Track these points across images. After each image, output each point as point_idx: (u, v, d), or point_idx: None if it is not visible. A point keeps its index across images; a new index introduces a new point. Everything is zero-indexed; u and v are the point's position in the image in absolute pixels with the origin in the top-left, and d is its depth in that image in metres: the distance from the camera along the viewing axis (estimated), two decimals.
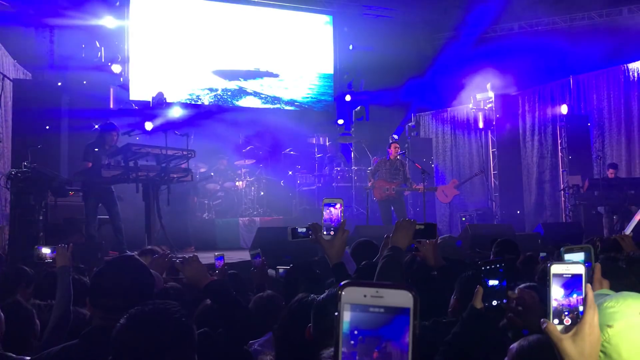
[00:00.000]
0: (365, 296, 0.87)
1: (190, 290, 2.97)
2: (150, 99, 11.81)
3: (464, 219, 12.17)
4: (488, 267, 2.00)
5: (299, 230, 2.54)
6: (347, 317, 0.87)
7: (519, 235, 8.44)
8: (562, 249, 1.56)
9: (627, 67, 11.64)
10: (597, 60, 11.76)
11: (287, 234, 2.53)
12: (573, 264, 1.19)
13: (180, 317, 1.62)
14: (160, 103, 11.72)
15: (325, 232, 2.25)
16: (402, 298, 0.87)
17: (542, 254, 4.79)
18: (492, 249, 4.84)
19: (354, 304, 0.87)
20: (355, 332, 0.86)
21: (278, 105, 13.86)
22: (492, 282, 1.98)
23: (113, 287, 2.04)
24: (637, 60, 11.42)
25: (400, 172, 9.98)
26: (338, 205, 2.24)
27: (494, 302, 1.96)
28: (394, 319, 0.86)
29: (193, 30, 13.03)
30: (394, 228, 2.56)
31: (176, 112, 11.97)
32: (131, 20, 12.29)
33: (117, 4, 11.99)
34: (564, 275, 1.18)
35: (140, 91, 12.24)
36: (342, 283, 0.89)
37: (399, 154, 10.12)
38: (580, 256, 1.57)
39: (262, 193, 11.57)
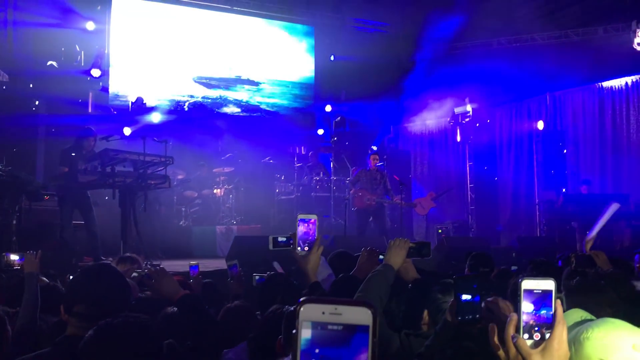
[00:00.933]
0: (323, 313, 0.86)
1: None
2: (129, 104, 11.73)
3: (440, 231, 12.26)
4: (462, 282, 2.02)
5: (280, 239, 2.54)
6: (305, 334, 0.86)
7: (494, 249, 8.53)
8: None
9: (601, 85, 11.88)
10: (573, 78, 11.98)
11: (268, 242, 2.53)
12: (544, 279, 1.20)
13: (149, 331, 1.61)
14: (139, 108, 11.65)
15: (300, 248, 2.24)
16: (361, 315, 0.86)
17: (514, 267, 4.85)
18: (467, 262, 4.88)
19: (313, 321, 0.86)
20: (315, 351, 0.85)
21: (258, 114, 13.85)
22: (466, 297, 2.00)
23: (89, 296, 2.02)
24: (611, 79, 11.67)
25: (381, 183, 10.03)
26: (313, 221, 2.24)
27: (467, 317, 1.98)
28: (353, 337, 0.85)
29: (174, 37, 12.98)
30: (388, 246, 2.59)
31: (155, 118, 11.91)
32: (112, 25, 12.20)
33: (98, 8, 11.90)
34: (535, 291, 1.19)
35: (119, 96, 12.15)
36: (301, 300, 0.88)
37: (378, 165, 10.18)
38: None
39: (236, 200, 11.53)
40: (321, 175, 12.24)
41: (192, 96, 13.15)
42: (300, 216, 2.23)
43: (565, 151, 12.03)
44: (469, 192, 13.61)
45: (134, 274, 3.23)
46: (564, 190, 11.51)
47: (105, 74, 11.75)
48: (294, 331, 0.86)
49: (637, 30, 10.51)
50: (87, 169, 6.88)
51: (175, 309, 2.60)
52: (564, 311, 1.51)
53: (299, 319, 0.87)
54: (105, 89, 11.84)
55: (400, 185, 9.80)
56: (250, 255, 6.31)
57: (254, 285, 3.91)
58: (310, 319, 0.87)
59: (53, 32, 10.86)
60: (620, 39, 11.20)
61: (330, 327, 0.86)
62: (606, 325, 1.23)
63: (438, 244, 8.75)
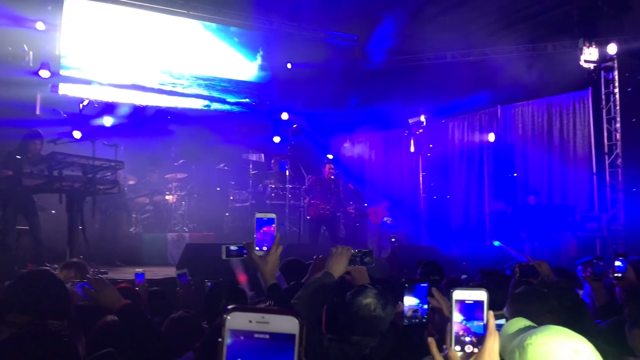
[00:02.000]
0: (250, 322, 0.85)
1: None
2: (80, 107, 11.43)
3: (393, 239, 12.38)
4: (410, 286, 2.02)
5: (232, 248, 2.49)
6: (230, 343, 0.85)
7: (445, 258, 8.65)
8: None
9: (550, 99, 12.27)
10: (523, 92, 12.33)
11: (221, 252, 2.47)
12: (475, 290, 1.19)
13: (62, 337, 1.56)
14: (90, 111, 11.38)
15: (257, 248, 2.17)
16: (288, 324, 0.85)
17: (464, 276, 4.92)
18: (418, 270, 4.93)
19: (239, 330, 0.85)
20: None
21: (214, 112, 13.68)
22: (414, 300, 2.00)
23: (23, 303, 1.92)
24: (559, 94, 12.05)
25: (335, 192, 10.06)
26: (271, 220, 2.16)
27: (414, 320, 1.98)
28: (279, 346, 0.84)
29: (127, 39, 12.73)
30: (330, 254, 2.58)
31: (107, 122, 11.65)
32: (63, 25, 11.88)
33: (49, 8, 11.57)
34: (466, 301, 1.17)
35: (69, 98, 11.82)
36: (228, 307, 0.87)
37: (333, 175, 10.20)
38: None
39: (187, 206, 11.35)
40: (276, 183, 12.19)
41: (144, 99, 12.88)
42: (258, 215, 2.15)
43: (515, 174, 12.37)
44: (421, 202, 13.79)
45: (69, 284, 3.10)
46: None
47: (55, 75, 11.41)
48: (219, 340, 0.85)
49: (584, 47, 10.89)
50: (33, 173, 6.66)
51: (115, 317, 2.52)
52: (507, 319, 1.52)
53: (225, 328, 0.86)
54: (54, 91, 11.51)
55: (354, 194, 9.85)
56: (202, 263, 6.22)
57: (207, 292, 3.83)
58: (237, 327, 0.86)
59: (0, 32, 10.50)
60: (568, 55, 11.59)
61: (256, 335, 0.85)
62: (549, 332, 1.24)
63: (390, 253, 8.83)
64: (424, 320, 2.00)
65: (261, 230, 2.16)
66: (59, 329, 1.61)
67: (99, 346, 2.29)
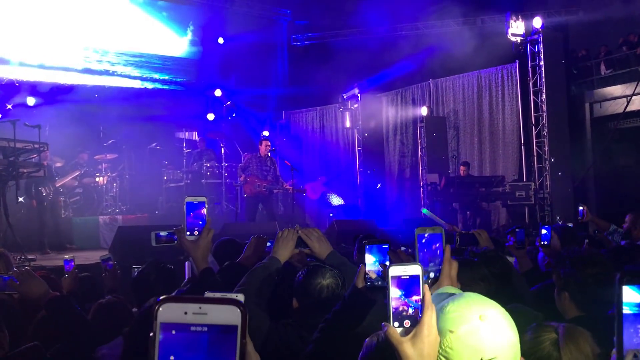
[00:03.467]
0: (186, 313, 0.77)
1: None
2: None
3: (331, 214, 12.47)
4: (371, 246, 2.00)
5: (161, 234, 2.41)
6: (163, 338, 0.77)
7: (381, 230, 8.79)
8: (415, 229, 1.62)
9: (480, 73, 12.56)
10: (454, 65, 12.57)
11: (150, 239, 2.38)
12: (410, 264, 1.19)
13: None
14: (10, 90, 10.78)
15: (188, 233, 2.10)
16: (228, 314, 0.78)
17: (404, 248, 4.98)
18: (355, 244, 4.96)
19: (173, 323, 0.77)
20: (171, 357, 0.76)
21: (145, 90, 13.25)
22: (374, 261, 1.99)
23: None
24: (489, 68, 12.36)
25: (271, 169, 9.98)
26: (202, 204, 2.11)
27: (377, 282, 1.98)
28: (219, 339, 0.77)
29: (48, 12, 12.01)
30: (276, 238, 2.54)
31: (29, 101, 11.08)
32: None
33: None
34: (402, 277, 1.16)
35: None
36: (160, 298, 0.79)
37: (270, 152, 10.11)
38: (435, 237, 1.62)
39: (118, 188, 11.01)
40: (212, 161, 11.98)
41: (70, 75, 12.28)
42: (188, 199, 2.09)
43: (446, 135, 12.63)
44: (358, 176, 13.93)
45: None
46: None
47: None
48: (150, 334, 0.76)
49: (511, 21, 11.16)
50: None
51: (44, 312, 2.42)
52: None
53: (157, 321, 0.77)
54: None
55: (291, 170, 9.81)
56: (134, 246, 6.07)
57: (133, 277, 3.72)
58: (171, 320, 0.77)
59: None
60: (497, 29, 11.88)
61: (193, 328, 0.77)
62: (460, 300, 1.25)
63: (329, 227, 8.88)
64: (384, 282, 1.99)
65: (192, 214, 2.10)
66: None
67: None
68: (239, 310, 0.79)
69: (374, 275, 1.98)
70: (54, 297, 2.35)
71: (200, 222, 2.12)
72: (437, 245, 1.60)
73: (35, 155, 6.83)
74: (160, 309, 0.78)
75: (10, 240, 6.70)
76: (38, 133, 7.09)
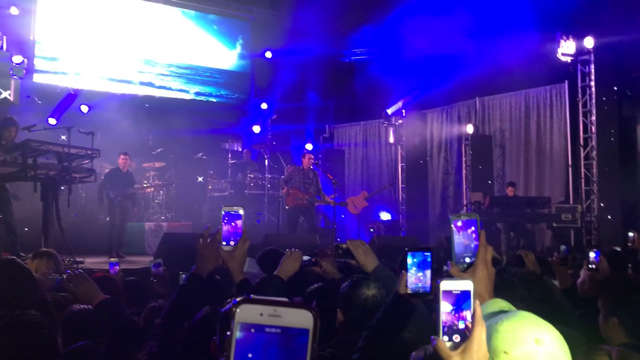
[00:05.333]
0: (261, 315, 0.81)
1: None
2: (56, 94, 11.25)
3: (372, 230, 12.42)
4: (413, 254, 2.01)
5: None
6: (240, 337, 0.80)
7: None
8: (450, 215, 1.65)
9: (527, 92, 12.37)
10: (501, 83, 12.41)
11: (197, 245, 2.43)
12: (462, 280, 1.20)
13: (40, 328, 1.53)
14: (66, 98, 11.19)
15: (225, 243, 2.08)
16: (301, 318, 0.81)
17: (446, 267, 4.94)
18: (399, 259, 4.94)
19: (249, 323, 0.81)
20: (249, 355, 0.80)
21: (193, 101, 13.56)
22: (416, 269, 2.00)
23: None
24: (537, 87, 12.16)
25: (313, 182, 10.04)
26: (239, 214, 2.08)
27: (418, 289, 1.98)
28: (291, 341, 0.80)
29: (104, 25, 12.52)
30: (283, 257, 2.61)
31: (83, 109, 11.48)
32: (38, 10, 11.64)
33: None
34: (454, 292, 1.17)
35: (45, 85, 11.62)
36: (237, 300, 0.82)
37: (312, 165, 10.18)
38: (470, 222, 1.65)
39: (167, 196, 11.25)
40: (255, 173, 12.14)
41: (122, 85, 12.69)
42: (225, 208, 2.07)
43: (492, 154, 12.40)
44: (400, 193, 13.86)
45: (50, 277, 3.03)
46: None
47: (29, 61, 11.19)
48: (228, 333, 0.80)
49: (561, 41, 10.98)
50: (7, 161, 6.52)
51: (84, 306, 2.49)
52: None
53: (235, 321, 0.81)
54: (29, 77, 11.28)
55: (333, 184, 9.84)
56: (179, 252, 6.18)
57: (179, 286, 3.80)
58: (247, 321, 0.81)
59: None
60: (547, 48, 11.68)
61: (267, 329, 0.80)
62: (514, 319, 1.24)
63: (369, 243, 8.84)
64: (427, 289, 2.00)
65: (228, 224, 2.08)
66: (40, 321, 1.58)
67: (69, 336, 2.26)
68: (311, 314, 0.81)
69: (412, 279, 1.99)
70: (104, 300, 2.42)
71: (237, 233, 2.10)
72: (472, 230, 1.61)
73: (87, 161, 7.05)
74: (238, 309, 0.81)
75: (61, 243, 6.92)
76: (91, 140, 7.34)
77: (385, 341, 1.99)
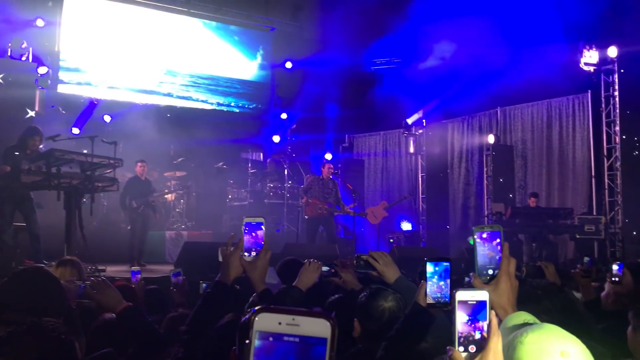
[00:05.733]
0: (280, 324, 0.82)
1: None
2: (79, 104, 11.43)
3: (391, 240, 12.37)
4: (432, 264, 2.02)
5: None
6: (259, 345, 0.81)
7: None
8: (473, 227, 1.63)
9: (550, 102, 12.26)
10: (523, 93, 12.31)
11: (218, 254, 2.45)
12: (478, 290, 1.19)
13: (59, 335, 1.55)
14: (89, 108, 11.37)
15: (246, 254, 2.10)
16: (319, 327, 0.82)
17: (467, 278, 4.88)
18: (419, 270, 4.91)
19: (268, 332, 0.82)
20: None
21: (213, 111, 13.68)
22: (435, 279, 2.00)
23: (19, 301, 1.90)
24: (559, 97, 12.04)
25: (333, 192, 10.03)
26: (260, 224, 2.10)
27: (437, 300, 1.99)
28: (309, 350, 0.81)
29: (127, 36, 12.72)
30: (302, 268, 2.61)
31: (105, 119, 11.65)
32: (63, 22, 11.86)
33: (50, 4, 11.57)
34: (469, 302, 1.17)
35: (68, 95, 11.81)
36: (256, 309, 0.83)
37: (332, 174, 10.18)
38: (494, 234, 1.63)
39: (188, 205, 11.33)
40: (275, 182, 12.18)
41: (144, 97, 12.86)
42: (246, 219, 2.09)
43: (513, 164, 12.26)
44: (420, 203, 13.79)
45: (74, 284, 3.07)
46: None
47: (54, 72, 11.40)
48: (246, 342, 0.81)
49: (584, 50, 10.88)
50: (31, 169, 6.63)
51: (113, 315, 2.52)
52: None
53: (253, 329, 0.82)
54: (53, 87, 11.49)
55: (353, 194, 9.83)
56: (199, 261, 6.23)
57: (201, 293, 3.82)
58: (265, 329, 0.82)
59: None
60: (569, 58, 11.57)
61: (286, 338, 0.81)
62: (540, 331, 1.22)
63: (389, 253, 8.80)
64: (446, 300, 2.00)
65: (249, 235, 2.10)
66: (56, 327, 1.60)
67: (98, 344, 2.28)
68: (329, 323, 0.82)
69: (432, 289, 1.99)
70: (127, 307, 2.45)
71: (258, 243, 2.11)
72: (496, 242, 1.60)
73: (110, 170, 7.14)
74: (257, 318, 0.82)
75: (83, 251, 7.00)
76: (114, 149, 7.43)
77: (403, 351, 1.99)
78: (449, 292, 2.00)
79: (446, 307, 2.01)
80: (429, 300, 1.99)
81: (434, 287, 2.00)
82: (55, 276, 2.13)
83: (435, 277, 2.01)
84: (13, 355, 1.50)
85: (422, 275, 2.06)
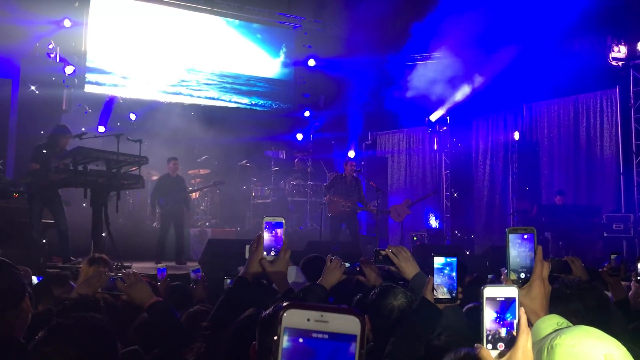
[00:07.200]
0: (308, 320, 0.81)
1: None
2: (105, 103, 11.58)
3: (415, 238, 12.28)
4: (439, 259, 2.00)
5: None
6: (287, 342, 0.80)
7: (469, 257, 8.56)
8: (506, 229, 1.60)
9: (577, 97, 12.05)
10: (549, 89, 12.12)
11: (245, 251, 2.45)
12: (507, 287, 1.16)
13: (102, 331, 1.56)
14: (115, 106, 11.51)
15: (266, 253, 2.11)
16: (348, 324, 0.81)
17: (491, 275, 4.82)
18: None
19: (296, 328, 0.81)
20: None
21: (237, 108, 13.75)
22: (443, 274, 1.99)
23: None
24: (586, 93, 11.84)
25: (356, 190, 10.00)
26: (280, 224, 2.11)
27: (445, 294, 1.98)
28: (338, 347, 0.80)
29: (154, 35, 12.84)
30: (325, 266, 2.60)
31: (131, 117, 11.78)
32: (90, 22, 12.03)
33: (76, 4, 11.73)
34: (498, 299, 1.14)
35: (95, 94, 11.97)
36: (284, 304, 0.83)
37: (355, 172, 10.15)
38: (527, 236, 1.60)
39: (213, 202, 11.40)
40: (298, 180, 12.19)
41: (169, 95, 12.99)
42: (267, 219, 2.10)
43: (539, 162, 12.09)
44: (444, 201, 13.68)
45: (105, 275, 3.11)
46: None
47: (80, 71, 11.57)
48: (275, 337, 0.80)
49: (612, 45, 10.68)
50: (59, 167, 6.73)
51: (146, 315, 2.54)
52: None
53: (281, 325, 0.81)
54: (80, 86, 11.67)
55: (376, 191, 9.79)
56: (223, 258, 6.26)
57: (226, 289, 3.84)
58: (294, 326, 0.81)
59: (28, 27, 10.67)
60: (597, 53, 11.36)
61: (314, 335, 0.80)
62: (579, 332, 1.18)
63: (412, 251, 8.75)
64: (454, 295, 1.99)
65: (270, 235, 2.10)
66: (103, 323, 1.62)
67: (139, 343, 2.30)
68: (358, 320, 0.81)
69: (440, 288, 1.98)
70: (156, 302, 2.46)
71: (278, 243, 2.12)
72: (529, 245, 1.57)
73: (135, 168, 7.21)
74: (285, 314, 0.81)
75: (109, 248, 7.08)
76: (139, 147, 7.50)
77: (412, 346, 1.97)
78: (456, 286, 1.99)
79: (452, 302, 2.00)
80: (437, 295, 1.98)
81: (442, 280, 1.99)
82: (15, 270, 2.08)
83: (446, 269, 1.99)
84: (57, 348, 1.51)
85: (429, 270, 2.05)
